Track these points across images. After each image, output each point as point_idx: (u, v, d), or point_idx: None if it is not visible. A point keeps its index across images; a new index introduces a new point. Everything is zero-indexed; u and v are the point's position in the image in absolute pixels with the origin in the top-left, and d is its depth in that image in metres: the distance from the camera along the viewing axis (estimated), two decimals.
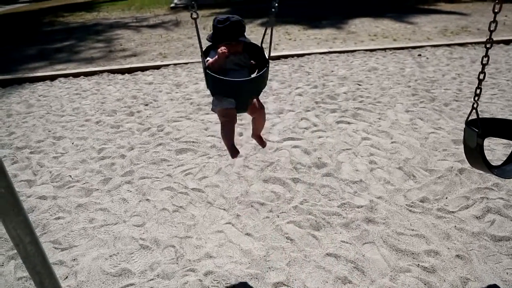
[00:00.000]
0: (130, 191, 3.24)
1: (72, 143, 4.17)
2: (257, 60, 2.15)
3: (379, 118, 4.38)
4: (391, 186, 3.13)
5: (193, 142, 4.00)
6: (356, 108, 4.68)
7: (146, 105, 5.18)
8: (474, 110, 1.90)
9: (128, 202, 3.09)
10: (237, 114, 2.12)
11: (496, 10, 1.70)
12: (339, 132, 4.09)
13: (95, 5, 17.74)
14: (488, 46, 1.80)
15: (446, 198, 2.95)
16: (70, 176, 3.52)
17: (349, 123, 4.30)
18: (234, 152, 2.03)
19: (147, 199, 3.11)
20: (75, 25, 12.50)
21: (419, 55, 6.96)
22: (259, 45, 2.14)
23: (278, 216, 2.82)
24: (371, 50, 7.37)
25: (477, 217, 2.71)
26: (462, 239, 2.53)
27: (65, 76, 6.70)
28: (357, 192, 3.07)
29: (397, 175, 3.28)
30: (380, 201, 2.95)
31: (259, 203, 2.98)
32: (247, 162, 3.58)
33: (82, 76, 6.67)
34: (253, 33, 8.82)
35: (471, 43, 7.57)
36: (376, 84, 5.53)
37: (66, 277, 2.38)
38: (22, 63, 7.81)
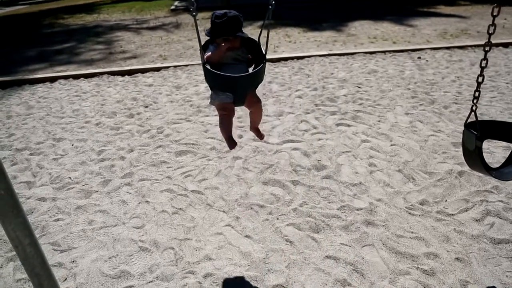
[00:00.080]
0: (130, 193, 3.23)
1: (72, 145, 4.17)
2: (255, 55, 2.21)
3: (379, 121, 4.39)
4: (391, 188, 3.13)
5: (192, 144, 4.01)
6: (355, 110, 4.69)
7: (146, 107, 5.19)
8: (473, 113, 1.91)
9: (127, 204, 3.09)
10: (235, 108, 2.19)
11: (494, 14, 1.71)
12: (339, 134, 4.09)
13: (95, 7, 17.78)
14: (487, 49, 1.81)
15: (446, 200, 2.96)
16: (70, 177, 3.52)
17: (348, 125, 4.30)
18: (231, 143, 2.12)
19: (147, 201, 3.11)
20: (75, 27, 12.52)
21: (419, 57, 6.98)
22: (257, 40, 2.20)
23: (277, 219, 2.82)
24: (371, 53, 7.38)
25: (476, 220, 2.71)
26: (462, 241, 2.53)
27: (65, 77, 6.71)
28: (357, 194, 3.07)
29: (396, 177, 3.28)
30: (380, 203, 2.95)
31: (259, 205, 2.98)
32: (247, 164, 3.58)
33: (82, 78, 6.68)
34: (253, 35, 8.81)
35: (470, 46, 7.59)
36: (376, 86, 5.54)
37: (65, 279, 2.38)
38: (22, 65, 7.81)
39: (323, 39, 8.91)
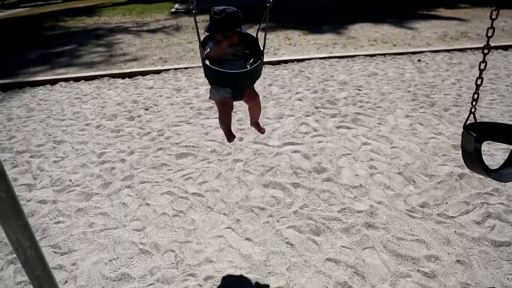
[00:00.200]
0: (130, 196, 3.23)
1: (73, 147, 4.18)
2: (252, 50, 2.26)
3: (379, 123, 4.39)
4: (391, 191, 3.13)
5: (193, 146, 4.01)
6: (356, 113, 4.69)
7: (147, 109, 5.19)
8: (472, 115, 1.92)
9: (128, 207, 3.09)
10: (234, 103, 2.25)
11: (493, 17, 1.72)
12: (339, 137, 4.09)
13: (96, 10, 17.82)
14: (485, 51, 1.82)
15: (446, 203, 2.95)
16: (70, 180, 3.52)
17: (349, 128, 4.30)
18: (230, 136, 2.18)
19: (147, 204, 3.11)
20: (76, 29, 12.54)
21: (419, 60, 6.99)
22: (255, 36, 2.25)
23: (278, 221, 2.82)
24: (371, 55, 7.39)
25: (477, 222, 2.71)
26: (462, 244, 2.53)
27: (66, 80, 6.72)
28: (357, 197, 3.07)
29: (397, 180, 3.28)
30: (380, 206, 2.94)
31: (259, 208, 2.98)
32: (247, 166, 3.58)
33: (82, 81, 6.69)
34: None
35: (470, 49, 7.60)
36: (376, 89, 5.54)
37: (66, 282, 2.37)
38: (23, 67, 7.83)
39: (323, 41, 8.93)
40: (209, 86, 2.25)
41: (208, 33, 2.17)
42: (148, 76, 6.77)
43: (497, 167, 2.22)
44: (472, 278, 2.25)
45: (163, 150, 3.99)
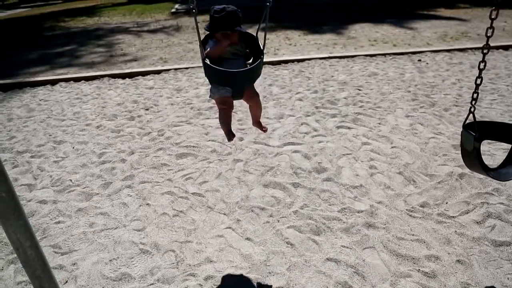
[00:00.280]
0: (131, 196, 3.23)
1: (73, 148, 4.18)
2: (252, 49, 2.27)
3: (379, 123, 4.39)
4: (391, 191, 3.13)
5: (193, 146, 4.01)
6: (356, 113, 4.69)
7: (147, 109, 5.20)
8: (471, 114, 1.93)
9: (128, 207, 3.09)
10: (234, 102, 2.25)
11: (493, 16, 1.72)
12: (339, 137, 4.09)
13: (96, 10, 17.83)
14: (485, 51, 1.83)
15: (447, 203, 2.95)
16: (71, 180, 3.52)
17: (349, 128, 4.30)
18: (230, 136, 2.18)
19: (148, 204, 3.11)
20: (76, 30, 12.55)
21: (419, 60, 6.99)
22: (255, 35, 2.26)
23: (278, 221, 2.82)
24: (371, 55, 7.39)
25: (477, 222, 2.71)
26: (463, 244, 2.53)
27: (66, 80, 6.73)
28: (357, 197, 3.07)
29: (397, 180, 3.28)
30: (381, 206, 2.94)
31: (260, 207, 2.98)
32: (247, 166, 3.58)
33: (83, 81, 6.69)
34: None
35: (470, 49, 7.59)
36: (376, 89, 5.54)
37: (66, 282, 2.38)
38: (23, 68, 7.83)
39: (323, 42, 8.93)
40: (210, 86, 2.25)
41: (208, 32, 2.18)
42: (148, 76, 6.77)
43: (496, 166, 2.22)
44: (472, 278, 2.25)
45: (163, 150, 3.99)
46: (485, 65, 1.86)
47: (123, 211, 3.04)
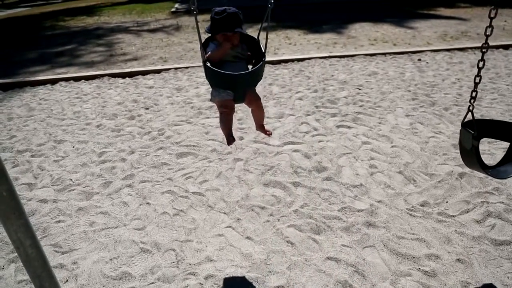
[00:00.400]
0: (131, 195, 3.24)
1: (73, 147, 4.18)
2: (254, 52, 2.25)
3: (379, 123, 4.39)
4: (392, 190, 3.13)
5: (193, 146, 4.01)
6: (356, 112, 4.69)
7: (147, 109, 5.20)
8: (470, 112, 1.94)
9: (128, 206, 3.09)
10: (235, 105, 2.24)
11: (492, 15, 1.73)
12: (340, 136, 4.09)
13: (96, 10, 17.82)
14: (484, 50, 1.84)
15: (447, 202, 2.96)
16: (71, 179, 3.52)
17: (349, 127, 4.31)
18: (230, 139, 2.16)
19: (148, 203, 3.11)
20: (76, 29, 12.54)
21: (419, 59, 6.98)
22: (256, 37, 2.24)
23: (278, 220, 2.82)
24: (371, 55, 7.39)
25: (477, 221, 2.71)
26: (463, 243, 2.53)
27: (66, 80, 6.73)
28: (358, 196, 3.07)
29: (397, 179, 3.28)
30: (381, 205, 2.95)
31: (260, 207, 2.98)
32: (248, 166, 3.58)
33: (83, 80, 6.69)
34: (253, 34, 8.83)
35: (470, 48, 7.59)
36: (376, 88, 5.54)
37: (67, 281, 2.38)
38: (23, 67, 7.83)
39: (323, 41, 8.92)
40: (210, 86, 2.24)
41: (209, 34, 2.16)
42: (148, 76, 6.77)
43: (494, 164, 2.24)
44: (472, 277, 2.26)
45: (163, 149, 3.99)
46: (484, 64, 1.87)
47: (124, 210, 3.04)
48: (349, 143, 3.92)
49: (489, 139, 3.71)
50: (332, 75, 6.24)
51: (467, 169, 3.27)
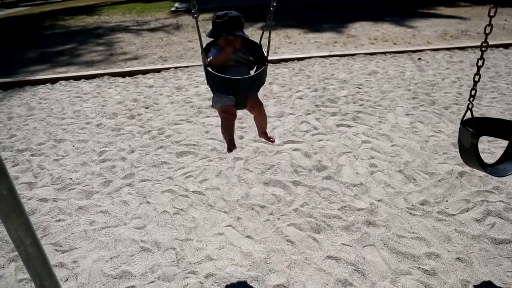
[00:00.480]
0: (131, 194, 3.24)
1: (73, 146, 4.18)
2: (256, 57, 2.21)
3: (380, 122, 4.39)
4: (392, 189, 3.13)
5: (193, 145, 4.01)
6: (356, 111, 4.69)
7: (147, 108, 5.20)
8: (469, 111, 1.94)
9: (128, 205, 3.10)
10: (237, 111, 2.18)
11: (491, 14, 1.73)
12: (340, 135, 4.09)
13: (96, 9, 17.81)
14: (483, 49, 1.85)
15: (447, 201, 2.96)
16: (71, 178, 3.52)
17: (349, 126, 4.31)
18: (231, 146, 2.12)
19: (148, 202, 3.11)
20: (76, 28, 12.54)
21: (419, 58, 6.98)
22: (258, 42, 2.19)
23: (278, 219, 2.83)
24: (371, 54, 7.39)
25: (477, 220, 2.71)
26: (463, 242, 2.53)
27: (66, 79, 6.72)
28: (358, 195, 3.07)
29: (397, 178, 3.28)
30: (381, 204, 2.95)
31: (260, 205, 2.98)
32: (248, 165, 3.58)
33: (83, 79, 6.69)
34: (253, 36, 8.83)
35: (471, 47, 7.59)
36: (376, 87, 5.54)
37: (67, 279, 2.38)
38: (23, 66, 7.83)
39: (323, 40, 8.92)
40: (211, 92, 2.19)
41: (210, 39, 2.11)
42: (148, 75, 6.77)
43: (493, 162, 2.24)
44: (472, 276, 2.26)
45: (163, 148, 3.99)
46: (483, 62, 1.88)
47: (124, 209, 3.04)
48: (349, 142, 3.92)
49: (489, 138, 3.71)
50: (332, 74, 6.24)
51: (467, 168, 3.27)
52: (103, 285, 2.33)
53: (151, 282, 2.32)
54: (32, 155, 4.03)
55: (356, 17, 11.76)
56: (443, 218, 2.75)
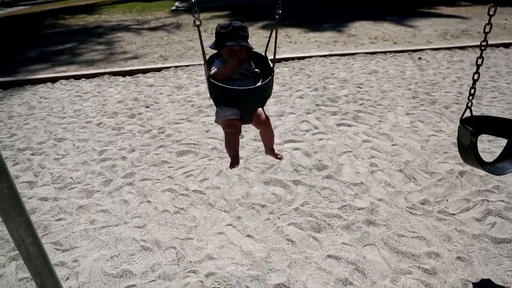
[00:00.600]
0: (131, 193, 3.24)
1: (73, 145, 4.18)
2: (262, 69, 2.10)
3: (380, 121, 4.39)
4: (392, 188, 3.14)
5: (194, 144, 4.01)
6: (356, 110, 4.69)
7: (147, 107, 5.20)
8: (468, 109, 1.95)
9: (129, 204, 3.10)
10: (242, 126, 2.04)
11: (491, 13, 1.73)
12: (340, 134, 4.10)
13: (96, 8, 17.80)
14: (483, 48, 1.85)
15: (447, 200, 2.96)
16: (71, 177, 3.52)
17: (349, 125, 4.31)
18: (235, 162, 1.93)
19: (148, 201, 3.11)
20: (76, 27, 12.53)
21: (420, 58, 6.98)
22: (264, 54, 2.10)
23: (279, 218, 2.83)
24: (372, 53, 7.38)
25: (477, 220, 2.72)
26: (463, 241, 2.53)
27: (67, 78, 6.72)
28: (358, 194, 3.08)
29: (397, 177, 3.28)
30: (381, 203, 2.95)
31: (260, 205, 2.98)
32: (248, 164, 3.58)
33: (83, 78, 6.69)
34: (254, 35, 8.84)
35: (471, 46, 7.59)
36: (377, 87, 5.54)
37: (68, 278, 2.38)
38: (24, 65, 7.83)
39: (323, 39, 8.91)
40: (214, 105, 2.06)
41: (214, 50, 2.02)
42: (148, 74, 6.76)
43: (493, 160, 2.24)
44: (472, 275, 2.26)
45: (164, 147, 3.99)
46: (482, 61, 1.88)
47: (124, 208, 3.04)
48: (350, 142, 3.92)
49: (489, 137, 3.71)
50: (333, 74, 6.24)
51: (467, 168, 3.27)
52: (104, 284, 2.33)
53: (151, 281, 2.32)
54: (33, 154, 4.03)
55: (356, 16, 11.75)
56: (443, 218, 2.75)
